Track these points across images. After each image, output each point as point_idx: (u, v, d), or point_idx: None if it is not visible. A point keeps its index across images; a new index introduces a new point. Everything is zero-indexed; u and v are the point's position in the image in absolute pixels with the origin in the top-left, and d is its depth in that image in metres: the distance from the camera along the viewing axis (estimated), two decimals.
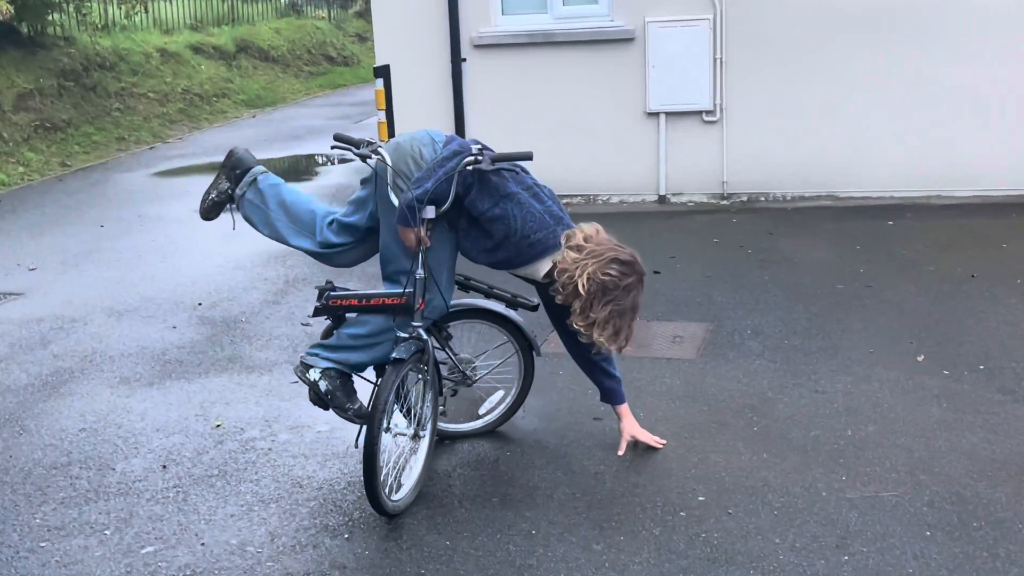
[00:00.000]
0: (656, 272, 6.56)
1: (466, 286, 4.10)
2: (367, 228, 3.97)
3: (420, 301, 3.71)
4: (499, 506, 3.74)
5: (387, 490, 3.60)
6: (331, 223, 4.04)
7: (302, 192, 4.24)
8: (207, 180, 11.87)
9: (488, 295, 4.13)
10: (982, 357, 4.94)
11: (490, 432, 4.34)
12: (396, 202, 3.73)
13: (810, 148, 8.39)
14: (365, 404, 3.85)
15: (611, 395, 4.11)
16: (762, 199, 8.57)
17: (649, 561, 3.33)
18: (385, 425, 3.58)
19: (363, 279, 6.07)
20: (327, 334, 3.99)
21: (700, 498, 3.72)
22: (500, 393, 4.37)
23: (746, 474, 3.88)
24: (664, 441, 4.14)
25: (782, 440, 4.16)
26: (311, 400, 3.96)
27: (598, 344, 3.67)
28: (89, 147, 12.57)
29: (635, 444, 4.12)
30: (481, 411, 4.37)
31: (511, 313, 4.18)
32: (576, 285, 3.57)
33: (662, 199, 8.70)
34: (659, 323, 5.67)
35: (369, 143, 3.80)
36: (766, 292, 6.10)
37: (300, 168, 11.40)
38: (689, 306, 5.93)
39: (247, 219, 4.17)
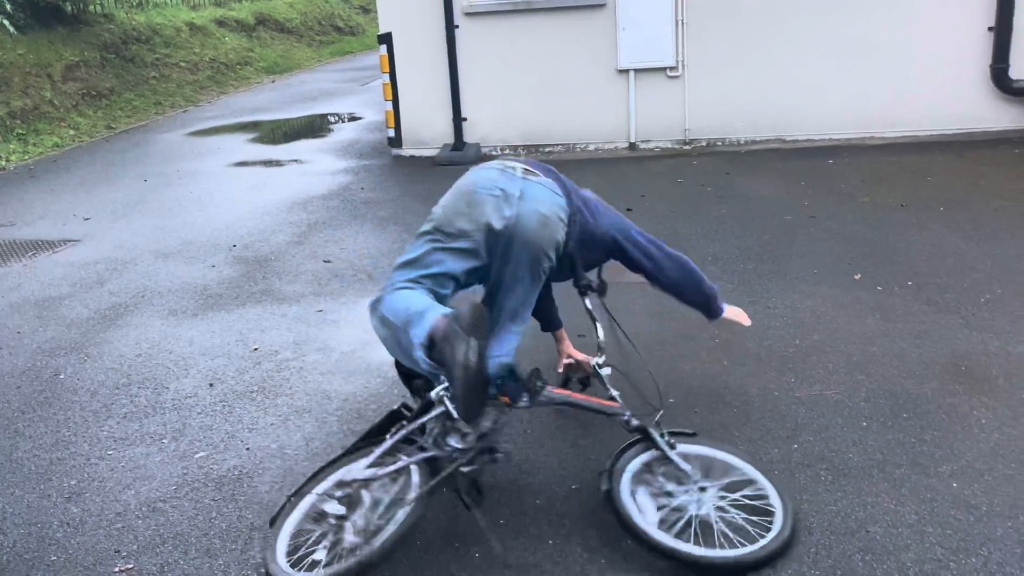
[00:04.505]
0: (628, 209, 6.54)
1: None
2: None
3: None
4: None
5: None
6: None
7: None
8: (236, 138, 11.78)
9: None
10: (910, 274, 4.96)
11: None
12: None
13: (760, 98, 8.32)
14: None
15: (552, 324, 3.90)
16: (719, 144, 8.51)
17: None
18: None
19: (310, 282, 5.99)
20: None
21: (671, 400, 3.75)
22: None
23: (709, 379, 3.92)
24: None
25: (739, 349, 4.19)
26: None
27: None
28: (130, 111, 12.38)
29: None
30: None
31: None
32: None
33: (632, 146, 8.64)
34: None
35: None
36: (724, 224, 6.09)
37: (315, 126, 11.26)
38: (658, 237, 5.90)
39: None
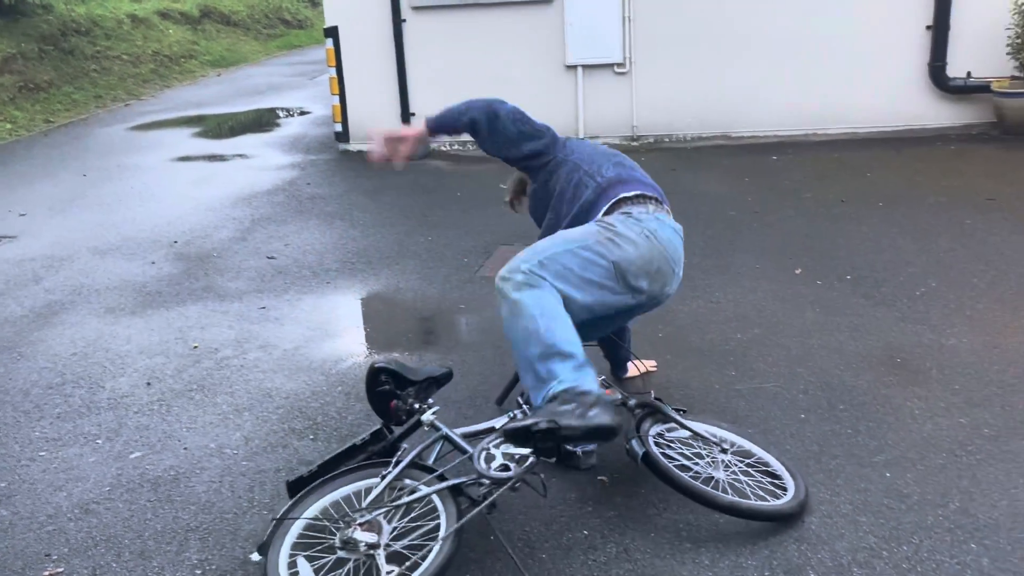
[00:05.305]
0: None
1: None
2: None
3: None
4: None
5: None
6: None
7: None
8: (179, 132, 11.54)
9: None
10: (849, 269, 5.05)
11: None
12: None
13: (707, 95, 8.40)
14: None
15: None
16: (666, 140, 8.59)
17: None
18: None
19: (249, 278, 5.91)
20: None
21: (617, 396, 3.76)
22: None
23: (653, 372, 3.94)
24: None
25: (682, 343, 4.23)
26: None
27: None
28: (70, 105, 12.09)
29: None
30: None
31: None
32: None
33: None
34: None
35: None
36: None
37: (263, 120, 11.11)
38: None
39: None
